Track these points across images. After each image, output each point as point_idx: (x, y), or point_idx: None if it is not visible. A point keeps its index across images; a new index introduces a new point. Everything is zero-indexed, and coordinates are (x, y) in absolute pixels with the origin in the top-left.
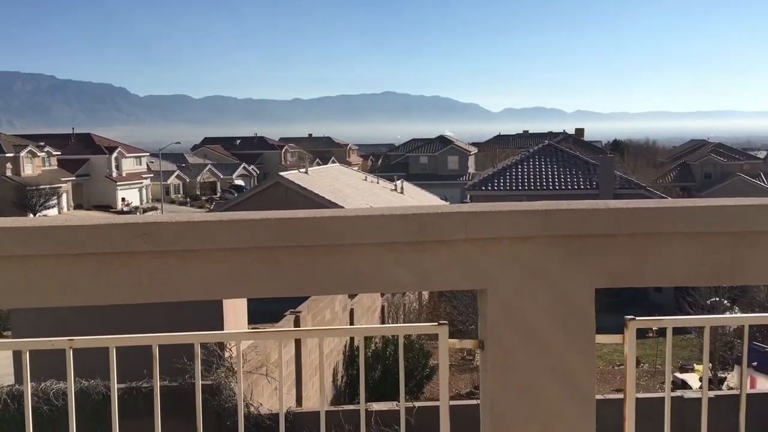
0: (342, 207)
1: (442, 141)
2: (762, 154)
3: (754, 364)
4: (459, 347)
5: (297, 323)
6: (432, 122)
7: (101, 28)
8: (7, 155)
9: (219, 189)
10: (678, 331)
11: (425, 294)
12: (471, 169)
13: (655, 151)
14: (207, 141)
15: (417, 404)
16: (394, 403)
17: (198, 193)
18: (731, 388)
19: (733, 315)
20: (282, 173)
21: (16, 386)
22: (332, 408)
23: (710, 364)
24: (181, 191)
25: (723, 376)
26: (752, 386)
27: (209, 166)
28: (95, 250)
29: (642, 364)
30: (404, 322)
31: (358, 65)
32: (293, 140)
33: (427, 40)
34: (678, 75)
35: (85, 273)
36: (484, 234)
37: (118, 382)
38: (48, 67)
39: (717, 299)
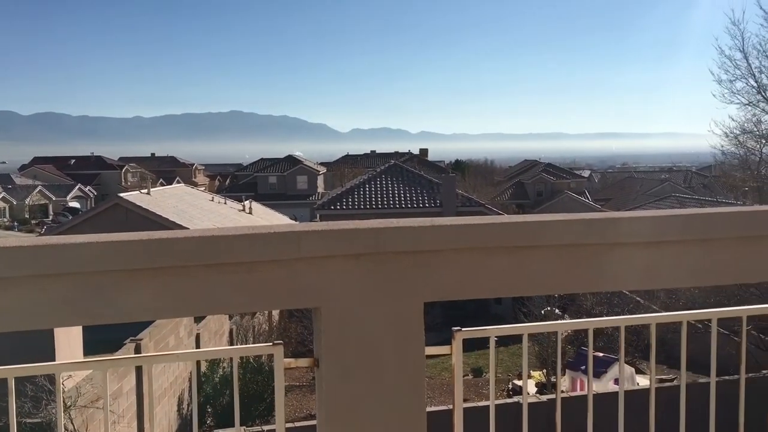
0: (187, 228)
1: (291, 161)
2: (586, 173)
3: (582, 367)
4: (295, 366)
5: (138, 351)
6: (281, 142)
7: None
8: None
9: (51, 212)
10: (516, 339)
11: (275, 315)
12: (320, 189)
13: (493, 171)
14: (37, 160)
15: (266, 428)
16: (243, 428)
17: (27, 216)
18: (563, 392)
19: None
20: (122, 194)
21: None
22: None
23: (544, 370)
24: (8, 214)
25: (556, 380)
26: (581, 388)
27: (39, 187)
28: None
29: (485, 373)
30: (252, 344)
31: (203, 83)
32: (134, 160)
33: (275, 60)
34: (512, 99)
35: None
36: (316, 252)
37: None
38: None
39: (549, 308)
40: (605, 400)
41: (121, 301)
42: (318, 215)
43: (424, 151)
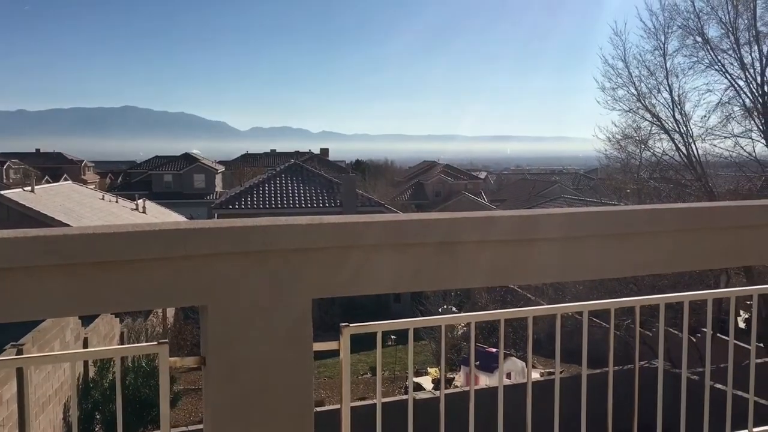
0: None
1: (188, 158)
2: (483, 175)
3: (477, 363)
4: (181, 365)
5: (20, 353)
6: (177, 139)
7: None
8: None
9: None
10: (415, 338)
11: (170, 317)
12: (218, 188)
13: (393, 171)
14: None
15: None
16: None
17: None
18: (456, 387)
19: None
20: (3, 192)
21: None
22: None
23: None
24: None
25: (451, 376)
26: (476, 383)
27: None
28: None
29: (384, 371)
30: (148, 340)
31: (93, 76)
32: (18, 155)
33: (171, 54)
34: (412, 101)
35: None
36: (203, 250)
37: None
38: None
39: (446, 306)
40: (495, 394)
41: (1, 299)
42: (216, 214)
43: (324, 151)
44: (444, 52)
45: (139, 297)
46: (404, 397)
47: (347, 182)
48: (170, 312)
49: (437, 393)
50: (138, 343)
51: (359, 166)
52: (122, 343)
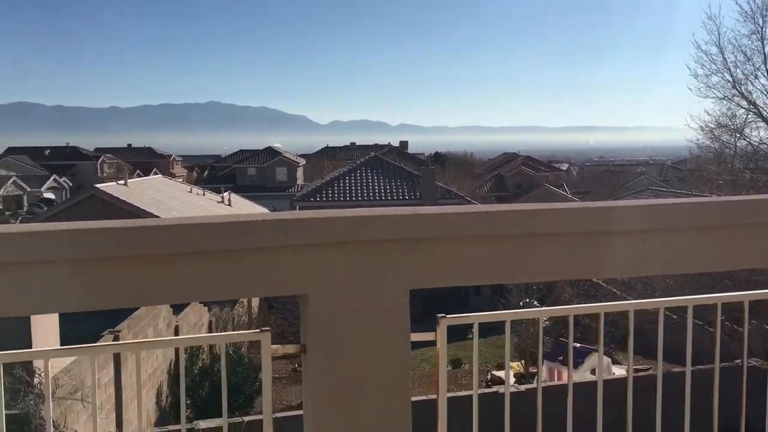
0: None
1: (270, 152)
2: (564, 167)
3: (560, 358)
4: (282, 353)
5: (117, 341)
6: (260, 133)
7: None
8: None
9: (26, 203)
10: (495, 331)
11: (255, 306)
12: (299, 181)
13: (472, 163)
14: (11, 151)
15: (246, 418)
16: (221, 419)
17: (1, 207)
18: (542, 381)
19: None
20: (98, 185)
21: None
22: (156, 429)
23: (522, 361)
24: None
25: (533, 370)
26: (559, 378)
27: (14, 178)
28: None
29: (464, 365)
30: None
31: (181, 73)
32: (111, 151)
33: (254, 50)
34: (491, 92)
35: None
36: (303, 240)
37: None
38: None
39: (528, 300)
40: (583, 390)
41: (104, 288)
42: (297, 207)
43: (403, 144)
44: (524, 42)
45: (241, 286)
46: (490, 390)
47: (427, 174)
48: (255, 302)
49: (521, 387)
50: (225, 330)
51: (438, 158)
52: (210, 331)
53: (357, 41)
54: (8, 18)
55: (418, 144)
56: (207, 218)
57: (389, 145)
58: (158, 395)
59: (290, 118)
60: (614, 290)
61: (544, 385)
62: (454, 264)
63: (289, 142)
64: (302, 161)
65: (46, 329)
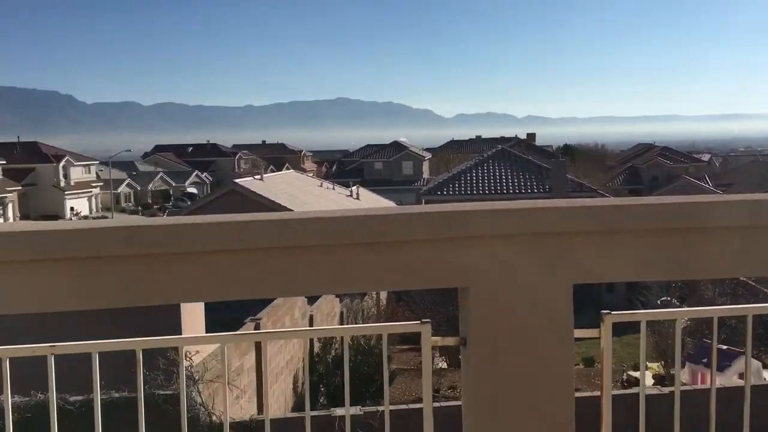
0: None
1: (397, 146)
2: (706, 157)
3: (704, 360)
4: (442, 344)
5: (257, 329)
6: (386, 128)
7: (47, 33)
8: None
9: (171, 197)
10: (631, 330)
11: (383, 299)
12: (425, 174)
13: (604, 155)
14: (158, 148)
15: (381, 408)
16: (358, 407)
17: (150, 201)
18: (684, 384)
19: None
20: (237, 180)
21: None
22: (295, 414)
23: (662, 362)
24: (132, 200)
25: (672, 372)
26: (702, 382)
27: (161, 174)
28: (78, 254)
29: (596, 363)
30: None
31: (310, 71)
32: (246, 147)
33: (380, 47)
34: (623, 81)
35: (67, 278)
36: (466, 232)
37: (78, 394)
38: None
39: (667, 298)
40: (729, 395)
41: (275, 275)
42: (423, 200)
43: (531, 136)
44: (656, 26)
45: (404, 277)
46: (629, 391)
47: (557, 167)
48: (383, 294)
49: (663, 390)
50: (355, 322)
51: (567, 150)
52: (342, 322)
53: (480, 34)
54: (160, 25)
55: (546, 136)
56: (376, 210)
57: (516, 137)
58: (295, 381)
59: (415, 112)
60: (765, 290)
61: (686, 388)
62: (620, 258)
63: (415, 136)
64: (428, 155)
65: (193, 316)
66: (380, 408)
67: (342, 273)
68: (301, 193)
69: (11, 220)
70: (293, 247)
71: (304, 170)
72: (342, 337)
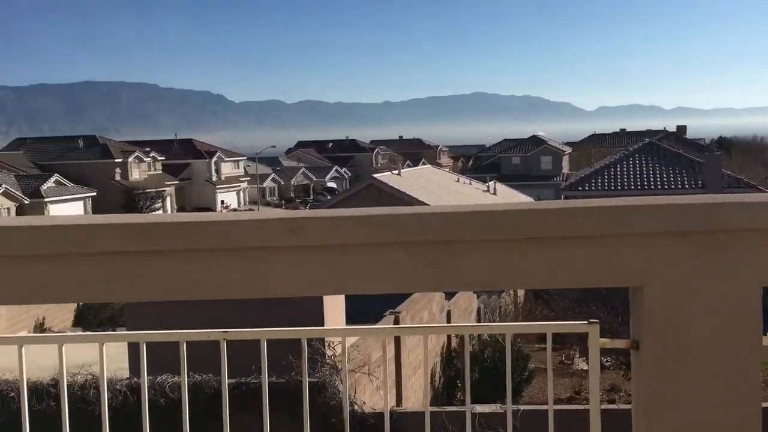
0: None
1: (535, 141)
2: None
3: None
4: (610, 346)
5: (396, 322)
6: (523, 122)
7: (200, 38)
8: (116, 161)
9: (312, 191)
10: None
11: (521, 296)
12: (565, 170)
13: (764, 149)
14: (301, 144)
15: (521, 407)
16: (498, 405)
17: (292, 195)
18: None
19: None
20: (375, 175)
21: (134, 379)
22: (436, 408)
23: None
24: (276, 194)
25: None
26: None
27: (303, 169)
28: (249, 244)
29: None
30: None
31: (446, 66)
32: (384, 142)
33: (517, 39)
34: None
35: (240, 266)
36: (641, 229)
37: (230, 378)
38: (151, 77)
39: None
40: None
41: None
42: (563, 196)
43: (681, 128)
44: None
45: (571, 275)
46: None
47: (712, 161)
48: (520, 292)
49: None
50: (492, 319)
51: (722, 143)
52: (479, 318)
53: (623, 18)
54: (303, 26)
55: (698, 128)
56: (532, 204)
57: (664, 130)
58: (432, 376)
59: (554, 105)
60: None
61: None
62: None
63: (554, 130)
64: (568, 149)
65: (335, 307)
66: (521, 407)
67: (498, 270)
68: (437, 188)
69: (169, 211)
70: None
71: (440, 165)
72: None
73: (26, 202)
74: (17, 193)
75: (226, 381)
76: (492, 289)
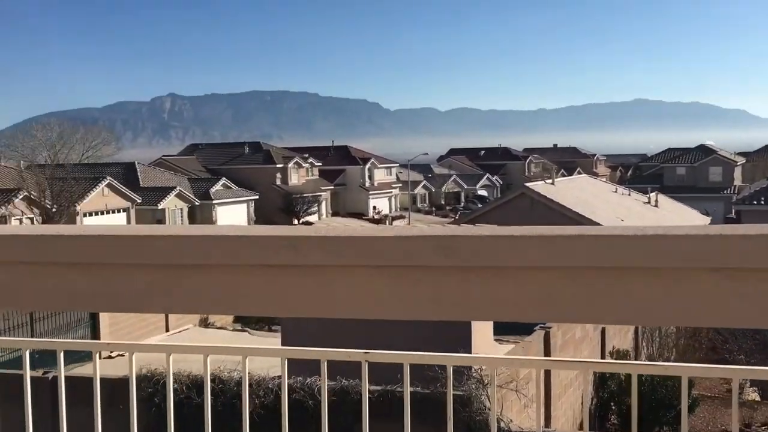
0: (591, 220)
1: (703, 150)
2: None
3: None
4: None
5: (547, 338)
6: (690, 130)
7: (360, 48)
8: (277, 166)
9: (462, 199)
10: None
11: None
12: (737, 181)
13: None
14: (452, 152)
15: None
16: None
17: (442, 202)
18: None
19: None
20: (527, 184)
21: (278, 380)
22: None
23: None
24: (427, 201)
25: None
26: None
27: (454, 176)
28: (395, 262)
29: None
30: (660, 345)
31: (605, 72)
32: (537, 151)
33: (682, 42)
34: None
35: (384, 285)
36: None
37: (372, 384)
38: (312, 86)
39: None
40: None
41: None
42: (734, 210)
43: None
44: None
45: (757, 312)
46: None
47: None
48: None
49: None
50: (651, 339)
51: None
52: (637, 338)
53: None
54: (456, 35)
55: None
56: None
57: None
58: (582, 396)
59: (726, 113)
60: None
61: None
62: None
63: (726, 139)
64: (741, 160)
65: (482, 327)
66: None
67: (680, 303)
68: (593, 199)
69: (324, 216)
70: (616, 269)
71: (596, 175)
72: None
73: (197, 203)
74: (189, 195)
75: (366, 398)
76: (667, 325)
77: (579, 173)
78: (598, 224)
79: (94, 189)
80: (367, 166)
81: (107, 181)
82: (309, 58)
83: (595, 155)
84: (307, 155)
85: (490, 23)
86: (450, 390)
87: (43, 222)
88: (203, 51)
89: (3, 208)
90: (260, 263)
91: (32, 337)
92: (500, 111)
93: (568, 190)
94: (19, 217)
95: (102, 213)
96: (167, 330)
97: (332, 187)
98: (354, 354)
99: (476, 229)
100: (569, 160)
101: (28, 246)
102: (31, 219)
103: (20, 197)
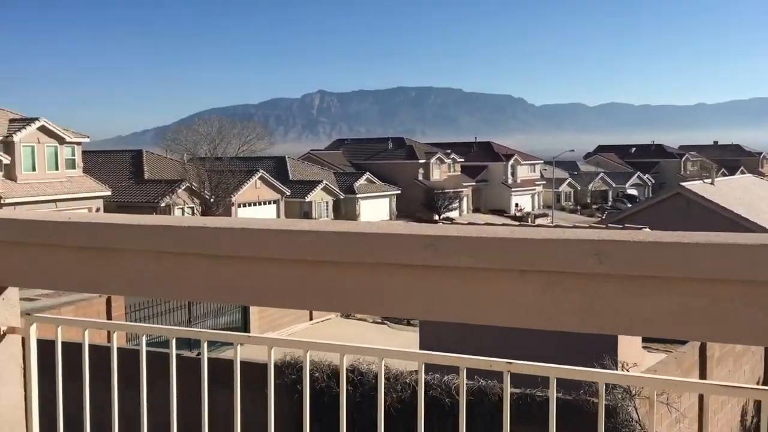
0: (757, 224)
1: None
2: None
3: None
4: None
5: (703, 349)
6: None
7: (504, 43)
8: (419, 161)
9: (610, 198)
10: None
11: None
12: None
13: None
14: (600, 149)
15: None
16: None
17: (588, 201)
18: None
19: None
20: (683, 183)
21: (415, 376)
22: None
23: None
24: (572, 199)
25: None
26: None
27: (601, 174)
28: (542, 267)
29: None
30: None
31: None
32: (695, 148)
33: None
34: None
35: (529, 292)
36: None
37: (513, 386)
38: (456, 82)
39: None
40: None
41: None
42: None
43: None
44: None
45: None
46: None
47: None
48: None
49: None
50: None
51: None
52: None
53: None
54: (606, 27)
55: None
56: None
57: None
58: (743, 414)
59: None
60: None
61: None
62: None
63: None
64: None
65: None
66: None
67: None
68: (759, 200)
69: (465, 212)
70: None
71: (762, 175)
72: None
73: (341, 197)
74: (335, 188)
75: (508, 411)
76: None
77: (742, 173)
78: (767, 229)
79: (247, 181)
80: (510, 163)
81: (260, 174)
82: (453, 54)
83: (761, 153)
84: (449, 151)
85: (641, 14)
86: (602, 409)
87: (203, 212)
88: (349, 49)
89: (168, 197)
90: (399, 263)
91: (189, 318)
92: (654, 106)
93: (729, 191)
94: (181, 207)
95: (254, 204)
96: (311, 319)
97: (474, 183)
98: (496, 363)
99: (637, 233)
100: (731, 159)
101: (174, 237)
102: (192, 209)
103: (183, 188)
